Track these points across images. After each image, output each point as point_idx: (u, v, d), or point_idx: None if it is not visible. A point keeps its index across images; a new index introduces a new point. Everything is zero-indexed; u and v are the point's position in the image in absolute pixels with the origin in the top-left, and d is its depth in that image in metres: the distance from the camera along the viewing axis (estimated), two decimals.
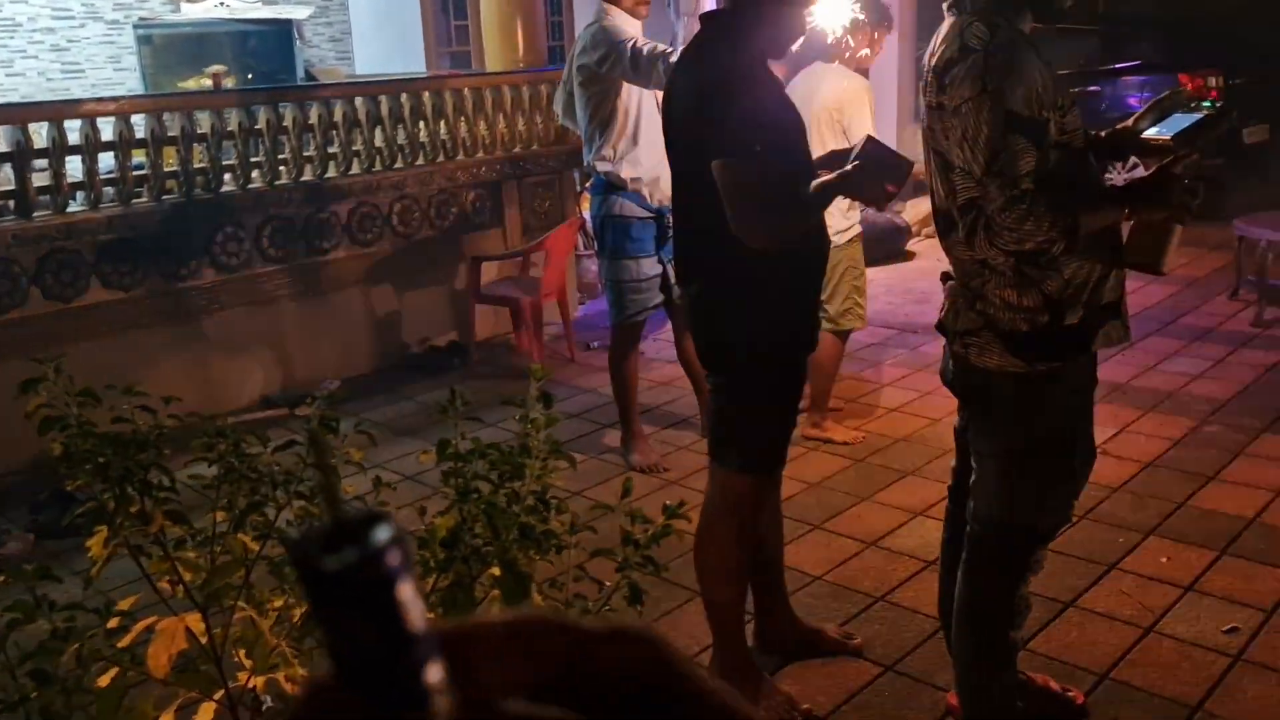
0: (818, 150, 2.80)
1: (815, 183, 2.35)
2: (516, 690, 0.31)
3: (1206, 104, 2.20)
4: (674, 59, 3.64)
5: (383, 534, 0.30)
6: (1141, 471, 3.89)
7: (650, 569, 1.72)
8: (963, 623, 2.40)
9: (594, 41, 3.87)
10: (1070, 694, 2.59)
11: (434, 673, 0.30)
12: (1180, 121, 2.05)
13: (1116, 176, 6.67)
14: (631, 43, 3.78)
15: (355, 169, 5.41)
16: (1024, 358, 2.13)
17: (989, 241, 2.04)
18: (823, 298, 4.11)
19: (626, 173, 3.95)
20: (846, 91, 3.96)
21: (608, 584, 1.81)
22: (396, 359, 5.63)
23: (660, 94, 3.45)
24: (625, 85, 3.91)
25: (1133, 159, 4.15)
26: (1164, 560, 3.26)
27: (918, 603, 3.08)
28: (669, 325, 4.58)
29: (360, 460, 1.75)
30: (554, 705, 0.31)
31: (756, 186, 2.29)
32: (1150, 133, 2.10)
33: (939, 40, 2.14)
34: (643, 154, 3.95)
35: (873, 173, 2.30)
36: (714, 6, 7.17)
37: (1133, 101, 8.47)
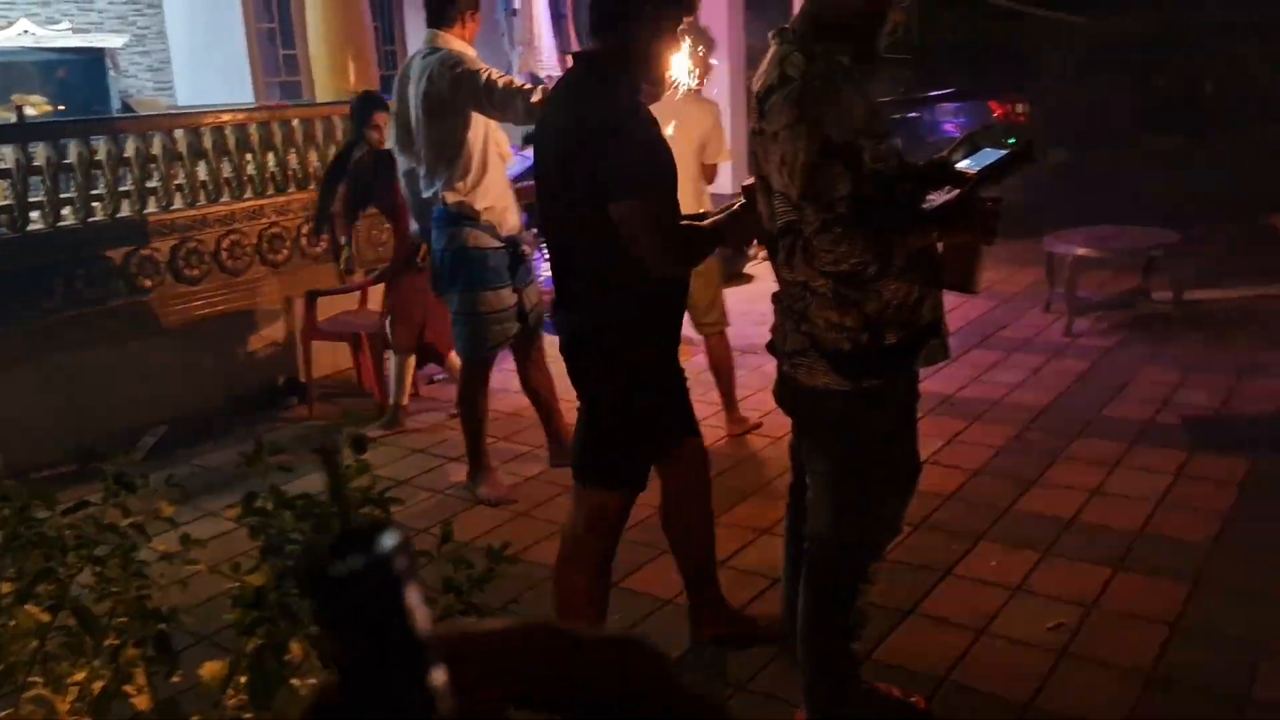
0: (685, 181, 2.91)
1: (708, 222, 2.51)
2: (514, 693, 0.32)
3: (1012, 140, 2.37)
4: (534, 97, 3.66)
5: (388, 541, 0.31)
6: (970, 479, 4.08)
7: (474, 615, 1.65)
8: (805, 637, 2.46)
9: (442, 70, 3.78)
10: (913, 700, 2.68)
11: (437, 677, 0.31)
12: (988, 156, 2.18)
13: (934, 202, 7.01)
14: (485, 74, 3.74)
15: (178, 204, 5.18)
16: (848, 376, 2.21)
17: (806, 264, 2.11)
18: (701, 308, 4.27)
19: (479, 204, 3.90)
20: (706, 118, 4.22)
21: None
22: (230, 400, 5.40)
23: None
24: (474, 115, 3.86)
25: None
26: (993, 564, 3.42)
27: (766, 618, 3.13)
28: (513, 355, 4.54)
29: (171, 515, 1.65)
30: (551, 710, 0.32)
31: (659, 221, 2.37)
32: (961, 165, 2.21)
33: (763, 67, 2.21)
34: (491, 185, 3.91)
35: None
36: (551, 41, 7.20)
37: (949, 127, 8.94)
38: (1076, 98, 9.48)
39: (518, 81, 3.76)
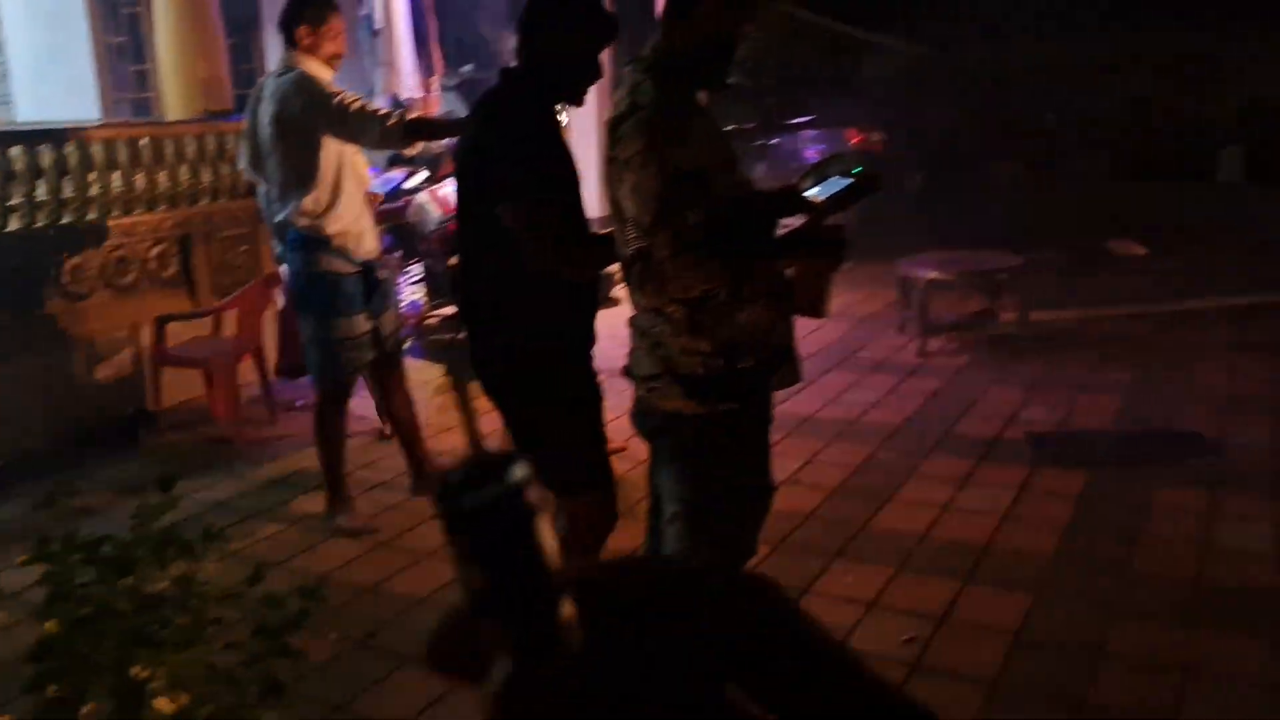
0: None
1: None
2: (640, 631, 0.32)
3: (857, 169, 2.47)
4: (390, 121, 3.62)
5: (519, 472, 0.32)
6: (827, 498, 4.18)
7: (289, 657, 1.58)
8: None
9: (295, 91, 3.70)
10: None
11: (564, 608, 0.31)
12: (835, 185, 2.25)
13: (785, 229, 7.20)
14: (338, 97, 3.67)
15: (14, 225, 4.92)
16: (702, 400, 2.24)
17: (658, 290, 2.14)
18: None
19: (331, 228, 3.81)
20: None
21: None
22: (72, 432, 5.13)
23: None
24: (327, 138, 3.78)
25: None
26: (849, 580, 3.51)
27: None
28: (373, 381, 4.45)
29: None
30: (679, 647, 0.32)
31: (538, 223, 2.47)
32: (810, 193, 2.28)
33: (619, 95, 2.24)
34: (345, 208, 3.83)
35: None
36: (413, 63, 7.09)
37: (809, 154, 9.21)
38: (930, 127, 9.89)
39: (372, 105, 3.71)
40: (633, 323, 2.38)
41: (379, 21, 6.74)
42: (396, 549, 3.88)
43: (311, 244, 3.81)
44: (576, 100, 2.64)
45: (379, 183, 6.16)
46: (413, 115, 3.77)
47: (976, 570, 3.55)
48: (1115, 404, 5.23)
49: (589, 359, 2.75)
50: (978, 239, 7.06)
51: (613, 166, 2.19)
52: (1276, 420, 4.88)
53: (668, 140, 2.09)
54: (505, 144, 2.51)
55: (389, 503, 4.30)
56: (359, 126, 3.64)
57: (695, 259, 2.09)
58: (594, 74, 2.62)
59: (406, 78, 6.67)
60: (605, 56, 2.72)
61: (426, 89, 7.39)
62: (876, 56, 11.73)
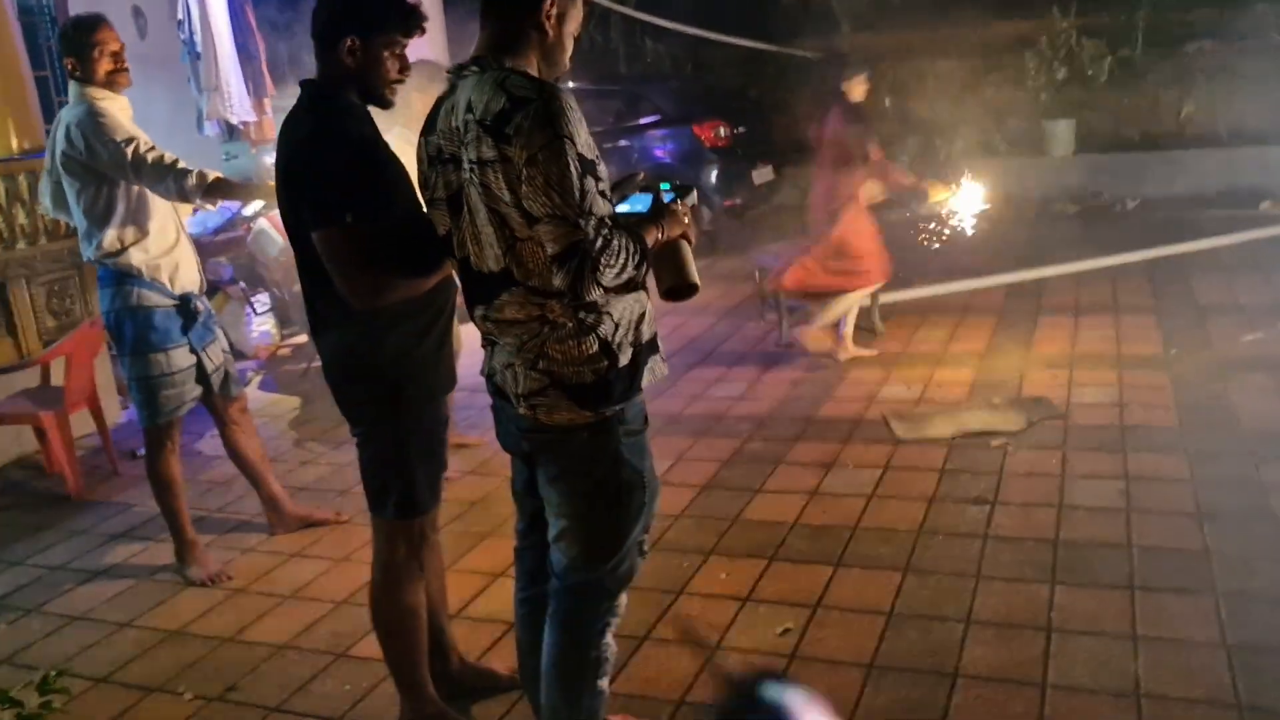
0: None
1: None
2: None
3: (665, 185, 2.48)
4: (191, 181, 3.45)
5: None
6: (698, 495, 4.17)
7: None
8: (554, 679, 2.39)
9: (80, 130, 3.48)
10: None
11: None
12: (638, 201, 2.28)
13: None
14: (132, 144, 3.46)
15: None
16: (591, 408, 2.17)
17: (594, 281, 2.06)
18: None
19: (138, 260, 3.59)
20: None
21: None
22: None
23: None
24: None
25: None
26: (723, 576, 3.49)
27: (505, 668, 3.04)
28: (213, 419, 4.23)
29: None
30: None
31: (353, 250, 2.30)
32: (622, 209, 2.27)
33: (463, 98, 2.11)
34: (153, 241, 3.62)
35: None
36: (240, 85, 6.81)
37: (658, 153, 9.24)
38: (775, 120, 10.04)
39: (170, 158, 3.51)
40: (498, 340, 2.25)
41: (199, 45, 6.45)
42: (254, 594, 3.69)
43: (120, 279, 3.60)
44: (385, 103, 2.52)
45: (217, 210, 5.90)
46: (213, 176, 3.55)
47: (847, 553, 3.57)
48: (969, 375, 5.37)
49: (437, 380, 2.64)
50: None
51: (498, 167, 2.05)
52: (1118, 376, 5.10)
53: (570, 129, 2.02)
54: (311, 166, 2.37)
55: (246, 545, 4.09)
56: (154, 177, 3.47)
57: (620, 244, 2.06)
58: (401, 71, 2.51)
59: (234, 101, 6.40)
60: (414, 51, 2.59)
61: (260, 111, 7.12)
62: (724, 52, 11.86)
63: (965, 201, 6.07)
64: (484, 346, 2.34)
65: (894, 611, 3.18)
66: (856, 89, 5.65)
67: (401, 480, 2.57)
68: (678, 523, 3.92)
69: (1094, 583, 3.23)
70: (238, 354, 5.53)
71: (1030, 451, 4.30)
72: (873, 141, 5.66)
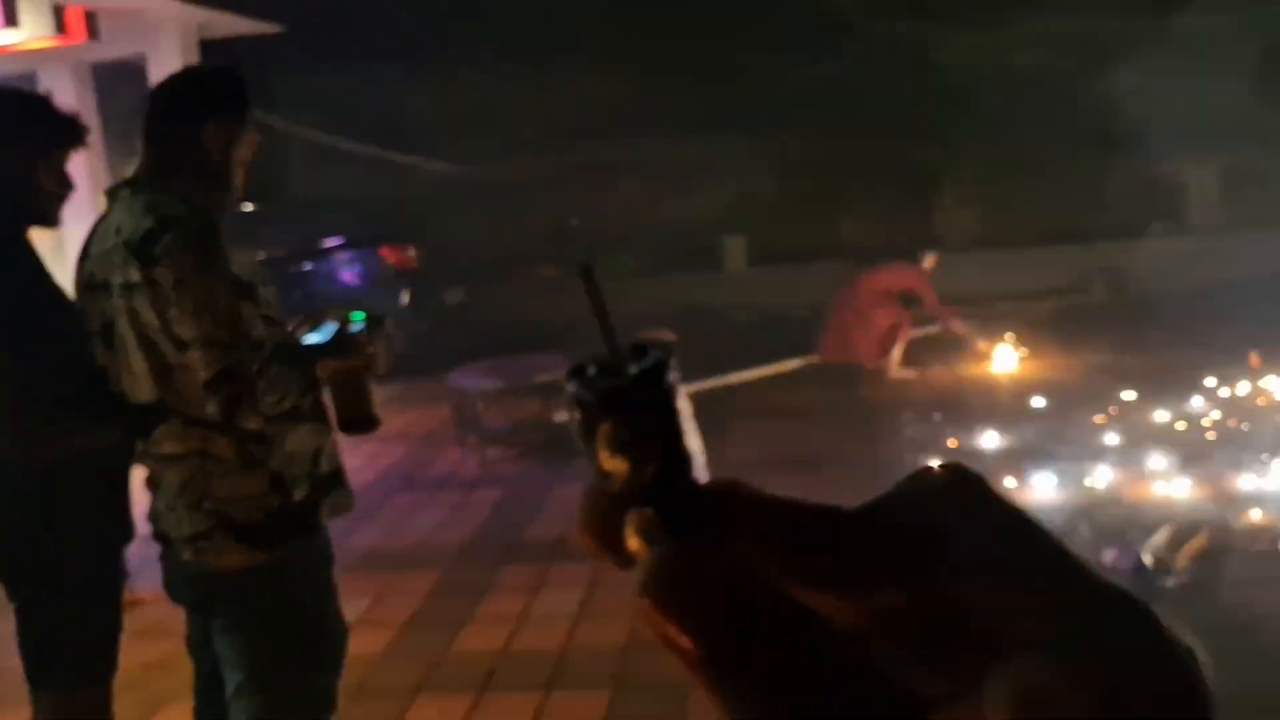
0: None
1: None
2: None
3: (357, 315, 2.47)
4: None
5: (659, 354, 0.31)
6: (402, 632, 4.01)
7: None
8: None
9: None
10: None
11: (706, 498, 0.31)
12: (329, 330, 2.23)
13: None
14: None
15: None
16: (263, 548, 2.04)
17: (250, 408, 1.94)
18: None
19: None
20: None
21: None
22: None
23: None
24: None
25: None
26: (432, 715, 3.36)
27: None
28: None
29: None
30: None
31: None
32: (309, 339, 2.22)
33: (114, 220, 2.01)
34: None
35: None
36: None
37: (346, 276, 9.08)
38: (464, 239, 10.16)
39: None
40: (158, 479, 2.10)
41: None
42: None
43: None
44: (49, 221, 2.35)
45: None
46: None
47: (557, 676, 3.55)
48: None
49: (112, 534, 2.40)
50: (525, 344, 7.29)
51: (146, 291, 1.93)
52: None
53: (222, 253, 1.94)
54: None
55: None
56: None
57: (279, 370, 1.98)
58: (62, 188, 2.34)
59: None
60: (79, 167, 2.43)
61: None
62: (407, 174, 11.92)
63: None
64: (146, 487, 2.18)
65: None
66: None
67: (72, 648, 2.32)
68: (381, 664, 3.75)
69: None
70: None
71: None
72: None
